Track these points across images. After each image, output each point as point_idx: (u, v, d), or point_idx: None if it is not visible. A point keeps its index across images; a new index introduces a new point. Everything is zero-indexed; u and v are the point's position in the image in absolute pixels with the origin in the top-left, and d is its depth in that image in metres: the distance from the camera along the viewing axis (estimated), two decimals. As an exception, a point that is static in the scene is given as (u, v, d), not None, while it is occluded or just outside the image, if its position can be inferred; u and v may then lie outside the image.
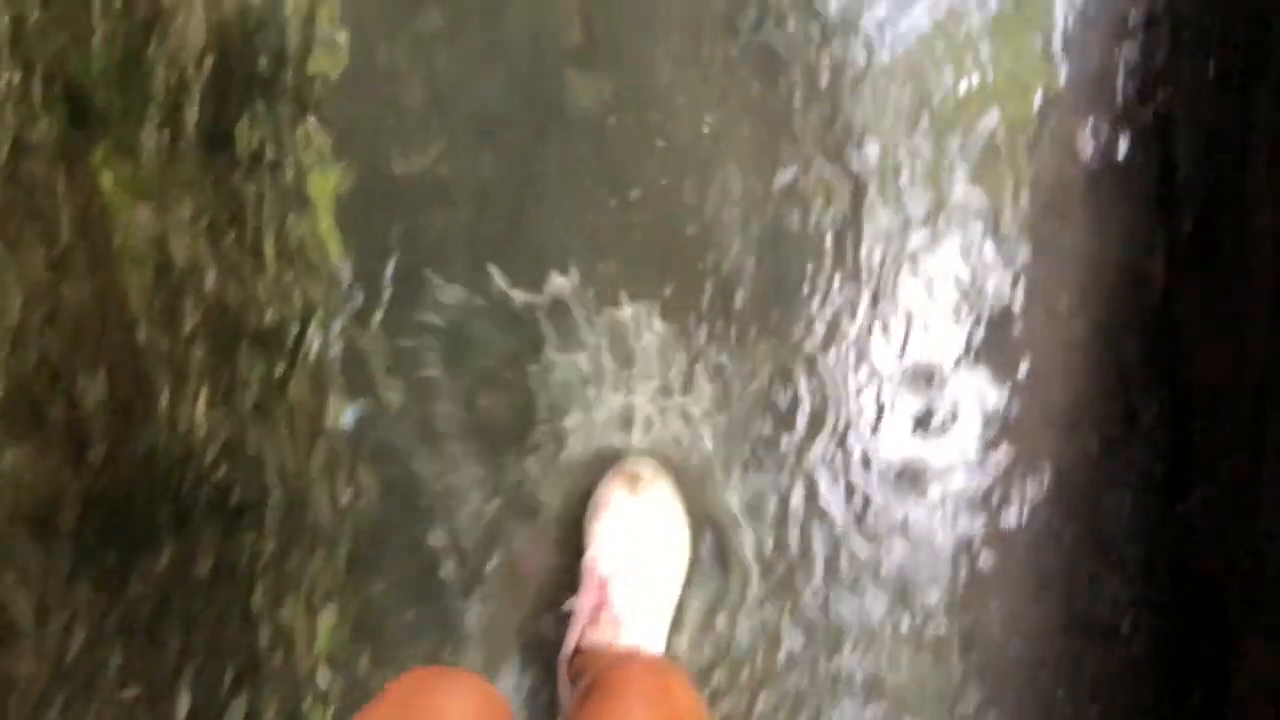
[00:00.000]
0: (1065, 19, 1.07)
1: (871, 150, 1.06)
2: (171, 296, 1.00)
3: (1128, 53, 1.07)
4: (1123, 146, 1.07)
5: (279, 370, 1.02)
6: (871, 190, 1.06)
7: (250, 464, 1.02)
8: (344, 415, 1.04)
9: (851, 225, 1.07)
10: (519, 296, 1.04)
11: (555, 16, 1.05)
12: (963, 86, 1.07)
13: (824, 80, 1.06)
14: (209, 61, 0.98)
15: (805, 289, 1.07)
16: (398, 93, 1.04)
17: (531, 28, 1.04)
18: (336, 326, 1.03)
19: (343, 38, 1.03)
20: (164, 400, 1.00)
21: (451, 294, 1.04)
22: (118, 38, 0.99)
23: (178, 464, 1.00)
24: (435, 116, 1.04)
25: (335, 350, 1.03)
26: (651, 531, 1.05)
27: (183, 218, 0.99)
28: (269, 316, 1.02)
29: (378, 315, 1.04)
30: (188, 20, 0.97)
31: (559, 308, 1.06)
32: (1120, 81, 1.07)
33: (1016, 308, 1.08)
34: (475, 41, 1.04)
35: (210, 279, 1.01)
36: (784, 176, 1.06)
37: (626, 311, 1.06)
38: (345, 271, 1.04)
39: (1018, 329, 1.08)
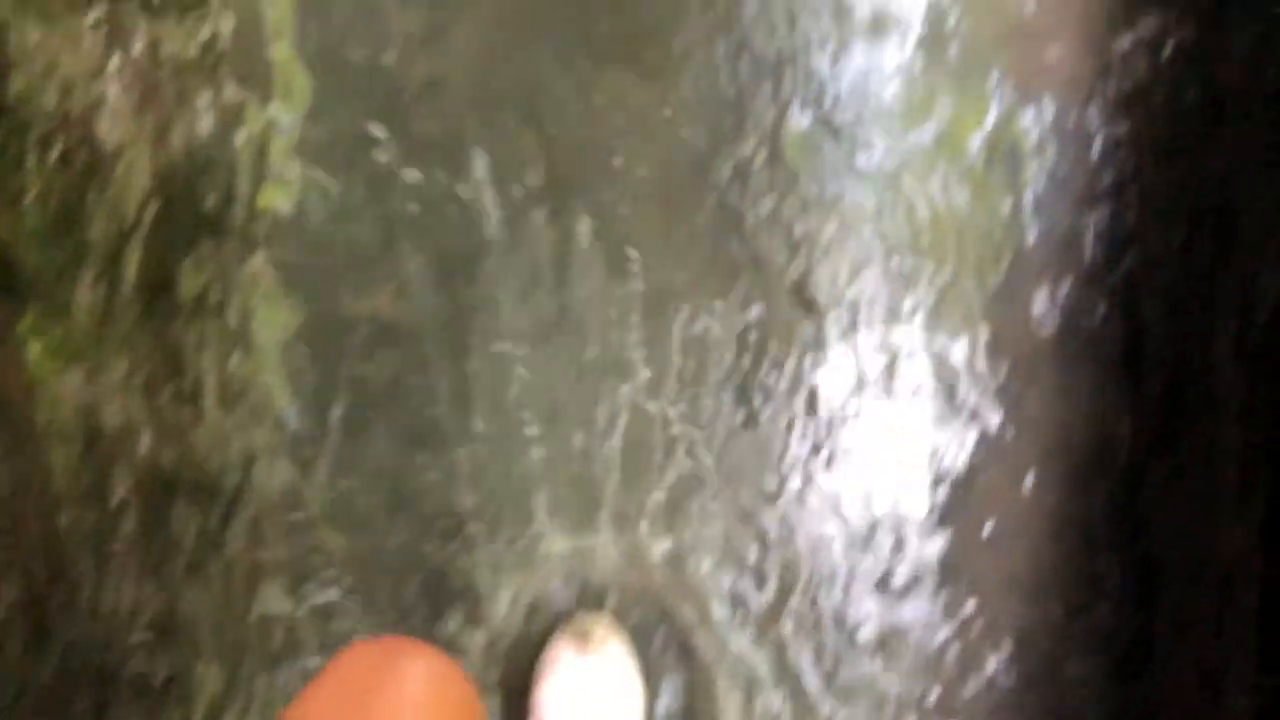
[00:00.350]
0: (1035, 180, 1.06)
1: (838, 302, 1.04)
2: (101, 468, 0.93)
3: (1097, 216, 1.06)
4: (1090, 309, 1.06)
5: (215, 524, 0.96)
6: (837, 343, 1.04)
7: (181, 632, 0.95)
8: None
9: (816, 378, 1.04)
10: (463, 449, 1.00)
11: (516, 156, 1.01)
12: (931, 242, 1.05)
13: (790, 228, 1.04)
14: (153, 206, 0.93)
15: (768, 440, 1.04)
16: (351, 229, 1.00)
17: (492, 166, 1.01)
18: (279, 473, 0.98)
19: (295, 171, 0.99)
20: (87, 585, 0.93)
21: (395, 439, 0.99)
22: (53, 192, 0.94)
23: (99, 650, 0.93)
24: (390, 255, 1.00)
25: (276, 499, 0.98)
26: (602, 692, 1.00)
27: (117, 378, 0.93)
28: (207, 468, 0.96)
29: (322, 461, 0.99)
30: (131, 165, 0.92)
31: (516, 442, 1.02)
32: (1089, 244, 1.06)
33: (981, 468, 1.05)
34: (434, 179, 1.01)
35: (145, 441, 0.95)
36: (747, 319, 1.04)
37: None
38: (290, 416, 0.98)
39: (982, 490, 1.06)
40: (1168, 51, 1.07)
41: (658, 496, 1.03)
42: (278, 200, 0.98)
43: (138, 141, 0.93)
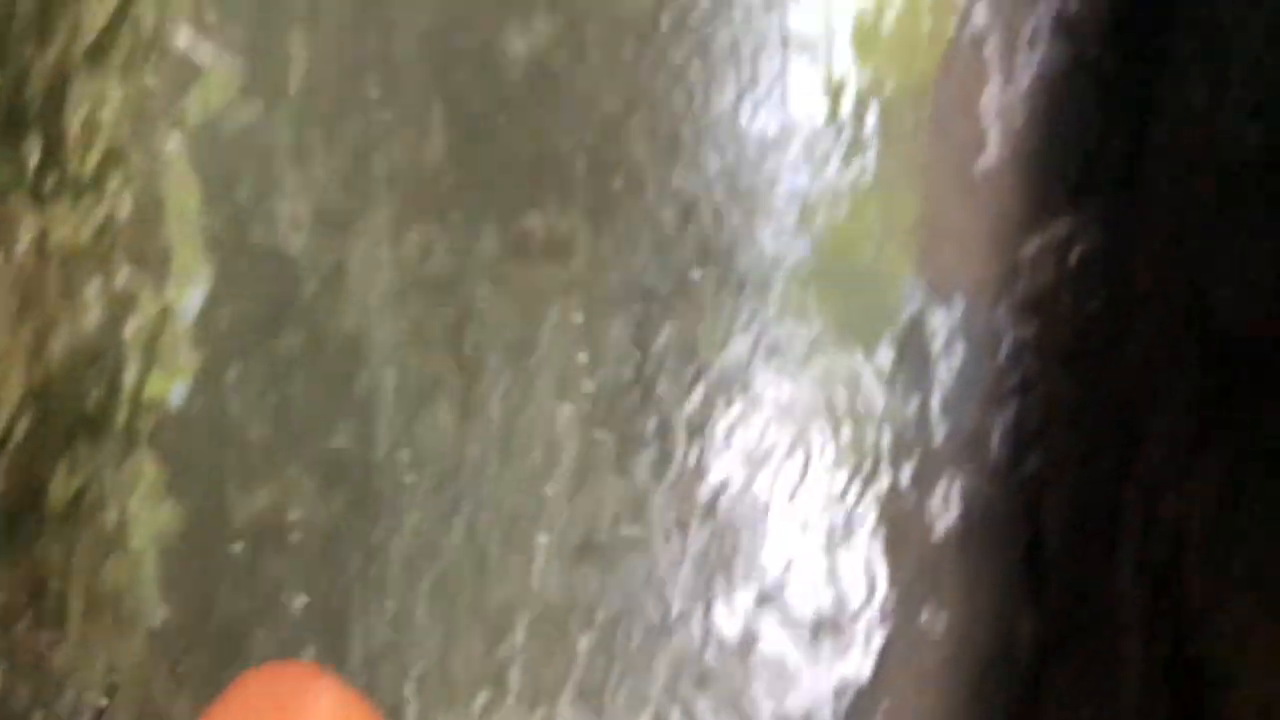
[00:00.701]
0: (944, 379, 1.07)
1: (741, 501, 1.03)
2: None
3: (1003, 417, 1.07)
4: (994, 510, 1.06)
5: (69, 754, 0.91)
6: (743, 539, 1.03)
7: None
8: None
9: (718, 579, 1.03)
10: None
11: (422, 347, 1.00)
12: (842, 441, 1.05)
13: (700, 422, 1.03)
14: (25, 420, 0.89)
15: (675, 645, 1.02)
16: (245, 422, 0.97)
17: (396, 366, 0.99)
18: (146, 691, 0.93)
19: (187, 360, 0.96)
20: None
21: (273, 651, 0.95)
22: (-95, 425, 0.90)
23: None
24: (280, 454, 0.97)
25: (142, 717, 0.93)
26: None
27: (-37, 619, 0.89)
28: (64, 693, 0.91)
29: (194, 675, 0.94)
30: (4, 379, 0.89)
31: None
32: (994, 445, 1.07)
33: (881, 676, 1.04)
34: (335, 369, 0.98)
35: (-7, 679, 0.90)
36: (662, 518, 1.02)
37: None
38: (165, 629, 0.94)
39: (883, 698, 1.04)
40: (1074, 257, 1.09)
41: (558, 703, 1.00)
42: (167, 392, 0.95)
43: (13, 352, 0.90)
